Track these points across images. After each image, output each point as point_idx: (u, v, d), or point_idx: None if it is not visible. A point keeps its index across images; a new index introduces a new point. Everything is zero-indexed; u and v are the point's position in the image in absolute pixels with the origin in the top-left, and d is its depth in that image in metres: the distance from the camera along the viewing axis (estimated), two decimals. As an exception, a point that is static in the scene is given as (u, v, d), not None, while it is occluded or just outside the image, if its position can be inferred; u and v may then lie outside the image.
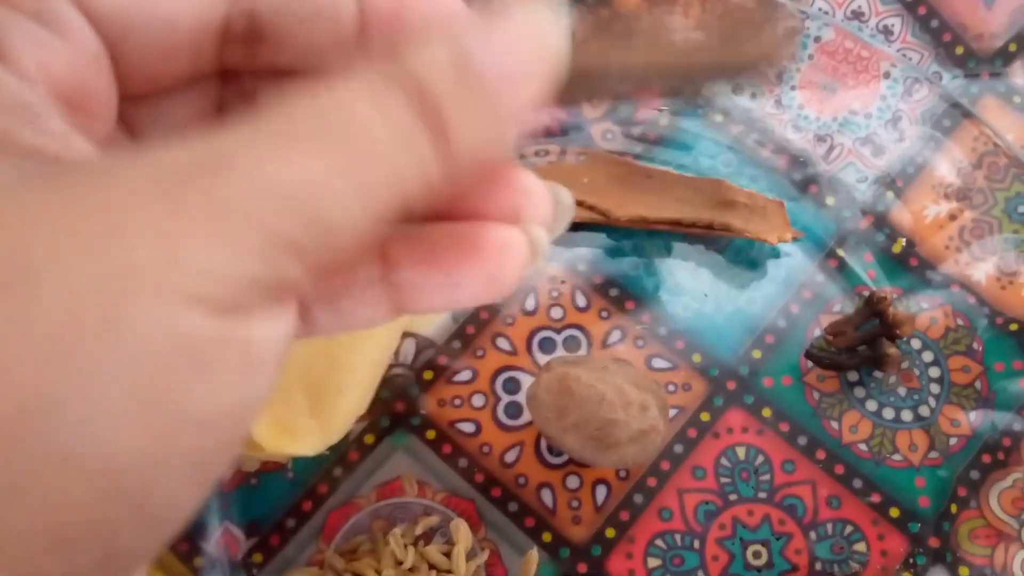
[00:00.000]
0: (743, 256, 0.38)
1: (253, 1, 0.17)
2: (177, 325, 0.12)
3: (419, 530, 0.34)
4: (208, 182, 0.13)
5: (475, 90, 0.14)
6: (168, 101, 0.17)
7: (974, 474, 0.35)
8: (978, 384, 0.36)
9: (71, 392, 0.12)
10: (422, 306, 0.17)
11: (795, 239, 0.37)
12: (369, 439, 0.35)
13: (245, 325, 0.13)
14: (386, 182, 0.14)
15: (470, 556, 0.33)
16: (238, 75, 0.18)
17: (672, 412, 0.36)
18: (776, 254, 0.38)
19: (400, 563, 0.32)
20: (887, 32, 0.40)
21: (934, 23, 0.40)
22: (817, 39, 0.39)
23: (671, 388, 0.36)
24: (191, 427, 0.13)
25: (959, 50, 0.40)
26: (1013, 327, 0.36)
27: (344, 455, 0.35)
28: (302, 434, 0.33)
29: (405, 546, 0.33)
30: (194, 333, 0.12)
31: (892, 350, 0.35)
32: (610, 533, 0.34)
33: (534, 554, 0.34)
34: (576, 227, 0.37)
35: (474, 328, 0.37)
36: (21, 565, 0.12)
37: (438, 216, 0.16)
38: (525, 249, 0.16)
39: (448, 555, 0.33)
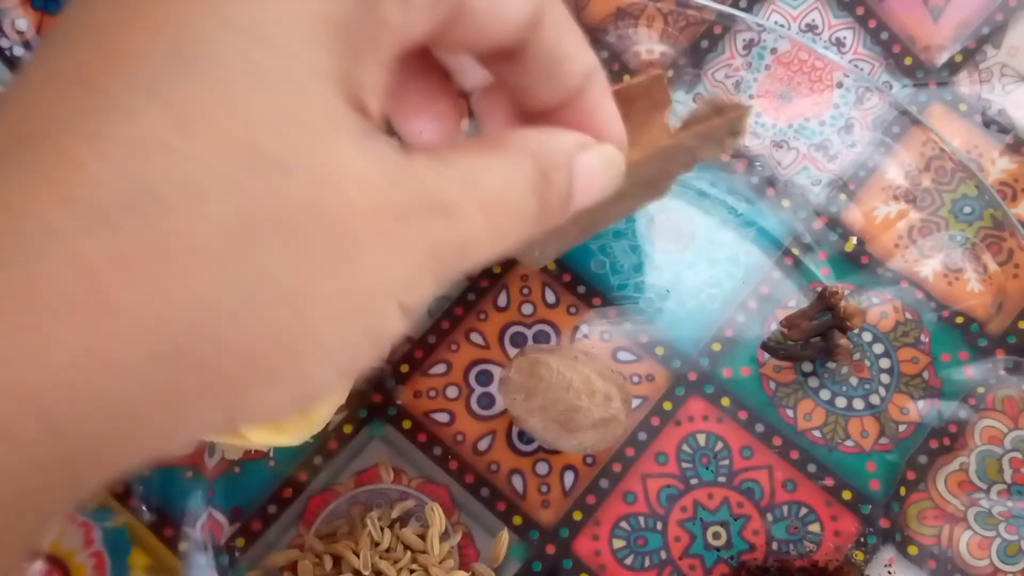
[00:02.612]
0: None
1: (534, 38, 0.21)
2: (393, 324, 0.18)
3: (395, 514, 0.35)
4: (437, 228, 0.18)
5: (568, 196, 0.21)
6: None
7: (922, 459, 0.37)
8: (926, 374, 0.38)
9: (328, 340, 0.17)
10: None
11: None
12: (347, 429, 0.37)
13: (405, 323, 0.18)
14: (505, 239, 0.19)
15: (444, 538, 0.35)
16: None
17: (636, 402, 0.37)
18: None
19: (377, 544, 0.34)
20: (839, 44, 0.43)
21: (884, 35, 0.42)
22: (774, 51, 0.41)
23: (636, 379, 0.38)
24: (353, 378, 0.19)
25: (908, 61, 0.43)
26: (959, 320, 0.38)
27: (324, 444, 0.37)
28: (286, 426, 0.35)
29: (382, 529, 0.34)
30: (393, 329, 0.18)
31: (843, 341, 0.37)
32: (577, 516, 0.36)
33: (505, 535, 0.35)
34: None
35: (448, 323, 0.39)
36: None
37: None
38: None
39: (423, 537, 0.35)
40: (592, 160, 0.22)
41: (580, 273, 0.39)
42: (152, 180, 0.15)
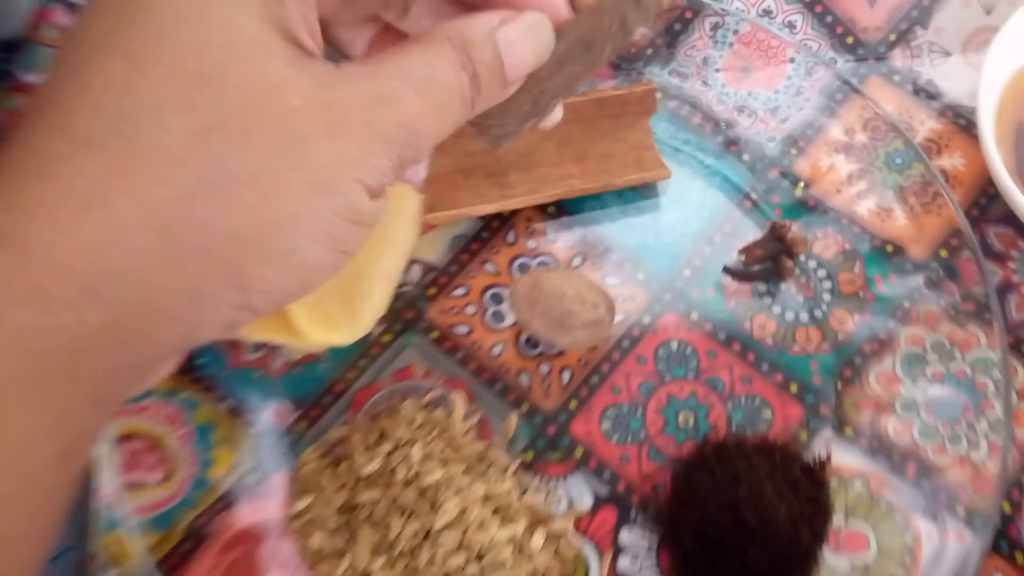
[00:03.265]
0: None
1: None
2: (360, 200, 0.22)
3: (425, 400, 0.44)
4: (377, 114, 0.22)
5: (497, 73, 0.24)
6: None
7: (857, 360, 0.45)
8: (861, 293, 0.46)
9: (302, 217, 0.22)
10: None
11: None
12: (386, 338, 0.46)
13: (380, 203, 0.23)
14: (449, 118, 0.24)
15: (465, 419, 0.43)
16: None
17: (621, 316, 0.46)
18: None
19: (411, 421, 0.43)
20: (791, 26, 0.51)
21: (829, 19, 0.51)
22: (735, 31, 0.49)
23: (621, 299, 0.46)
24: (348, 255, 0.24)
25: (850, 40, 0.51)
26: (889, 248, 0.46)
27: (367, 350, 0.46)
28: (337, 327, 0.43)
29: (416, 410, 0.43)
30: (365, 206, 0.23)
31: (789, 264, 0.45)
32: (573, 404, 0.44)
33: (514, 417, 0.44)
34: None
35: (467, 256, 0.47)
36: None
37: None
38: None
39: (448, 416, 0.43)
40: (514, 30, 0.24)
41: (575, 215, 0.48)
42: (122, 109, 0.20)
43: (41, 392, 0.20)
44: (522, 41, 0.25)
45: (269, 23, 0.21)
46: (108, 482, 0.41)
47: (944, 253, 0.45)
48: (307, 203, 0.22)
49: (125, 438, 0.42)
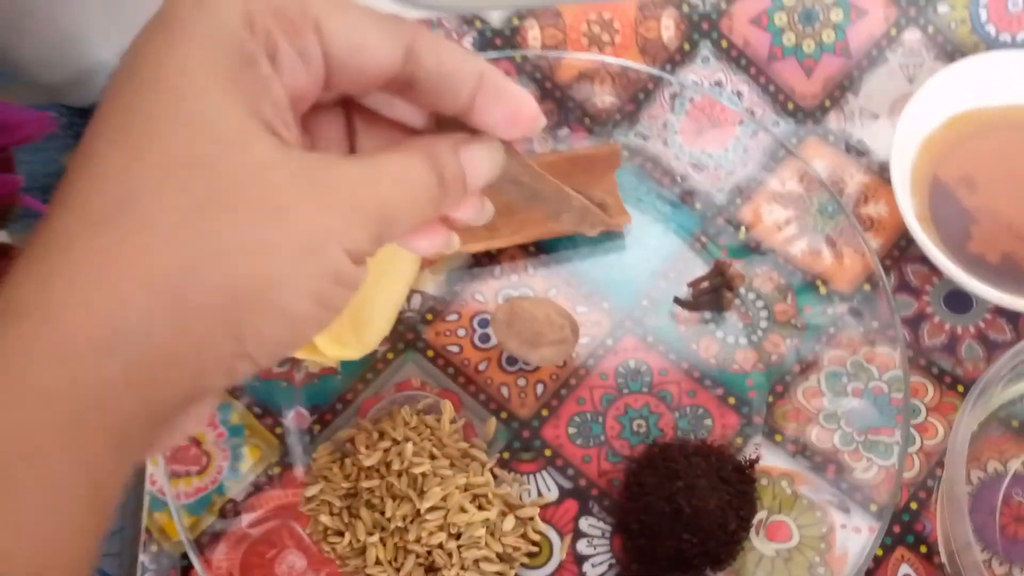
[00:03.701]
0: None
1: (416, 69, 0.27)
2: (343, 265, 0.25)
3: (420, 407, 0.52)
4: (358, 193, 0.25)
5: (460, 183, 0.28)
6: (324, 115, 0.29)
7: (787, 377, 0.53)
8: (793, 321, 0.54)
9: (290, 276, 0.24)
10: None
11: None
12: (390, 355, 0.55)
13: (362, 269, 0.26)
14: (419, 208, 0.27)
15: (452, 422, 0.52)
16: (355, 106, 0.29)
17: (587, 339, 0.54)
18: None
19: (407, 423, 0.51)
20: (739, 95, 0.60)
21: (772, 88, 0.59)
22: (691, 100, 0.58)
23: (588, 324, 0.55)
24: (334, 311, 0.26)
25: (790, 106, 0.59)
26: (818, 283, 0.54)
27: (373, 365, 0.54)
28: (348, 345, 0.52)
29: (411, 415, 0.51)
30: (348, 270, 0.25)
31: (729, 295, 0.53)
32: (544, 412, 0.53)
33: (493, 421, 0.52)
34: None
35: (460, 287, 0.56)
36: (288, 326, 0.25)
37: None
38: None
39: (438, 420, 0.52)
40: (473, 149, 0.28)
41: (551, 253, 0.56)
42: (127, 191, 0.23)
43: (70, 440, 0.22)
44: (482, 158, 0.28)
45: (252, 118, 0.24)
46: (156, 471, 0.50)
47: (867, 287, 0.53)
48: (294, 265, 0.24)
49: (171, 436, 0.51)
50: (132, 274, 0.22)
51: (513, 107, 0.28)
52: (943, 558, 0.49)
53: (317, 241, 0.24)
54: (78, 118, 0.63)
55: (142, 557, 0.49)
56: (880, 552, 0.49)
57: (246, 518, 0.50)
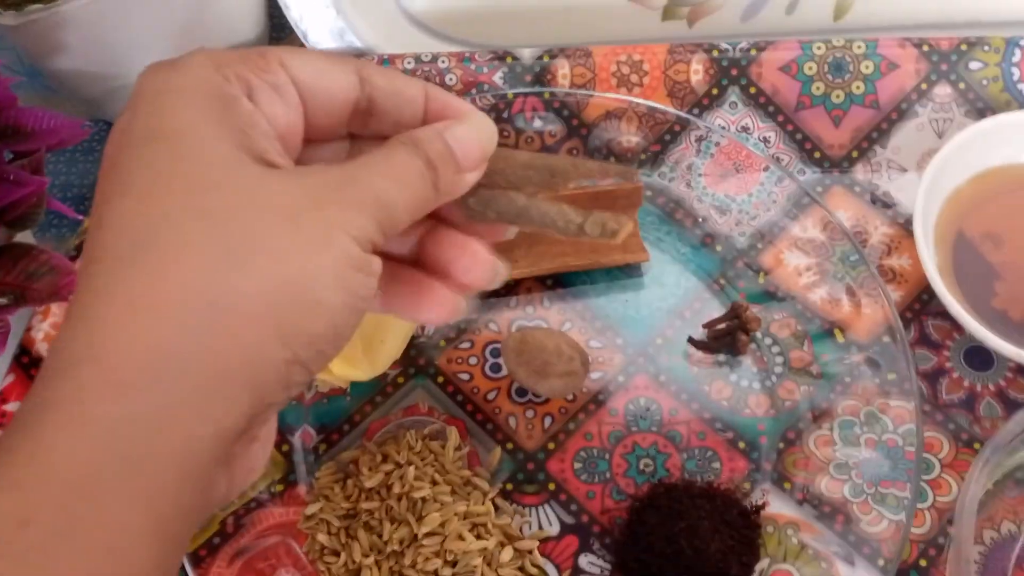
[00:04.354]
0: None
1: (372, 90, 0.30)
2: (353, 250, 0.26)
3: (426, 431, 0.52)
4: (350, 189, 0.27)
5: (450, 160, 0.29)
6: (322, 148, 0.32)
7: (800, 424, 0.52)
8: (809, 369, 0.53)
9: (313, 269, 0.25)
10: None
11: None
12: (400, 380, 0.55)
13: (375, 259, 0.27)
14: (416, 198, 0.28)
15: (457, 449, 0.51)
16: (357, 137, 0.33)
17: (599, 374, 0.54)
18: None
19: (411, 448, 0.51)
20: (766, 141, 0.60)
21: (799, 136, 0.59)
22: (717, 144, 0.58)
23: (600, 360, 0.54)
24: (362, 300, 0.27)
25: (817, 155, 0.59)
26: (836, 332, 0.54)
27: (383, 388, 0.54)
28: (358, 365, 0.52)
29: (416, 440, 0.51)
30: (360, 256, 0.26)
31: (744, 338, 0.53)
32: (551, 446, 0.52)
33: (498, 451, 0.52)
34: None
35: (475, 316, 0.56)
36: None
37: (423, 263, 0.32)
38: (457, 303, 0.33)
39: (443, 447, 0.51)
40: (459, 128, 0.30)
41: (568, 287, 0.56)
42: (145, 225, 0.25)
43: (131, 472, 0.23)
44: (467, 134, 0.30)
45: (243, 150, 0.26)
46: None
47: (885, 338, 0.52)
48: (312, 259, 0.25)
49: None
50: (167, 299, 0.24)
51: (455, 112, 0.31)
52: (952, 619, 0.47)
53: (324, 233, 0.26)
54: (115, 133, 0.64)
55: (140, 565, 0.49)
56: (887, 609, 0.48)
57: (246, 533, 0.50)
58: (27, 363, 0.52)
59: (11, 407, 0.50)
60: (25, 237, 0.50)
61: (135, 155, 0.26)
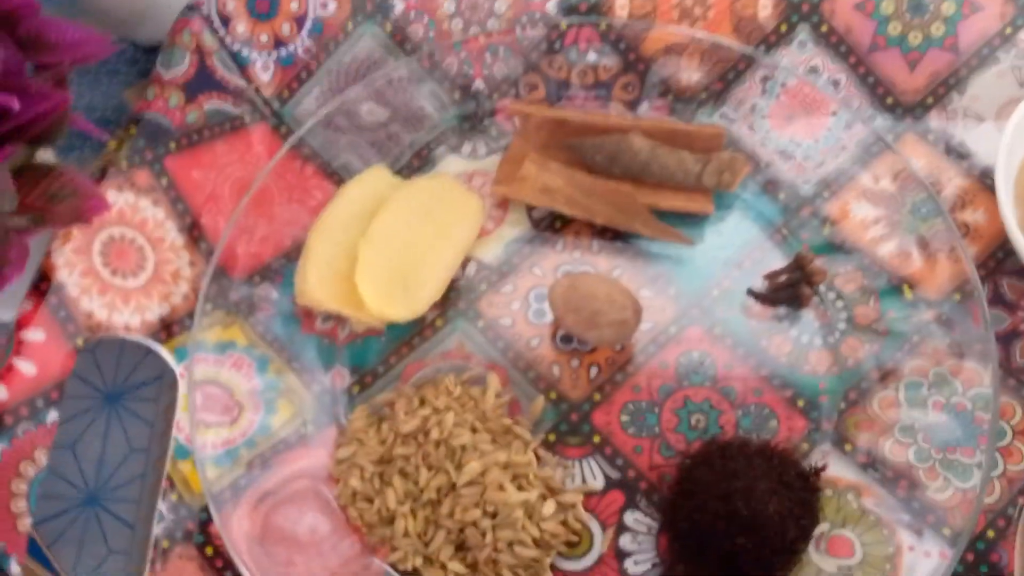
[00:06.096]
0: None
1: None
2: None
3: (465, 377, 0.49)
4: None
5: None
6: None
7: (863, 384, 0.49)
8: (875, 326, 0.50)
9: None
10: None
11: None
12: (439, 323, 0.52)
13: None
14: None
15: (497, 397, 0.49)
16: None
17: (650, 324, 0.51)
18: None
19: (450, 393, 0.48)
20: (836, 84, 0.56)
21: (871, 79, 0.56)
22: (783, 84, 0.55)
23: (652, 309, 0.51)
24: None
25: (889, 100, 0.56)
26: (905, 288, 0.50)
27: (421, 331, 0.51)
28: (397, 304, 0.49)
29: (456, 385, 0.48)
30: None
31: (807, 291, 0.50)
32: (596, 397, 0.49)
33: (540, 400, 0.49)
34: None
35: (518, 259, 0.53)
36: None
37: None
38: None
39: (483, 393, 0.48)
40: None
41: (618, 232, 0.53)
42: None
43: None
44: None
45: None
46: (185, 418, 0.48)
47: (957, 297, 0.49)
48: None
49: (203, 383, 0.49)
50: None
51: None
52: (1022, 596, 0.44)
53: None
54: (143, 54, 0.61)
55: (161, 505, 0.47)
56: (951, 583, 0.45)
57: (273, 475, 0.48)
58: (45, 290, 0.49)
59: (28, 335, 0.48)
60: (47, 158, 0.47)
61: None
